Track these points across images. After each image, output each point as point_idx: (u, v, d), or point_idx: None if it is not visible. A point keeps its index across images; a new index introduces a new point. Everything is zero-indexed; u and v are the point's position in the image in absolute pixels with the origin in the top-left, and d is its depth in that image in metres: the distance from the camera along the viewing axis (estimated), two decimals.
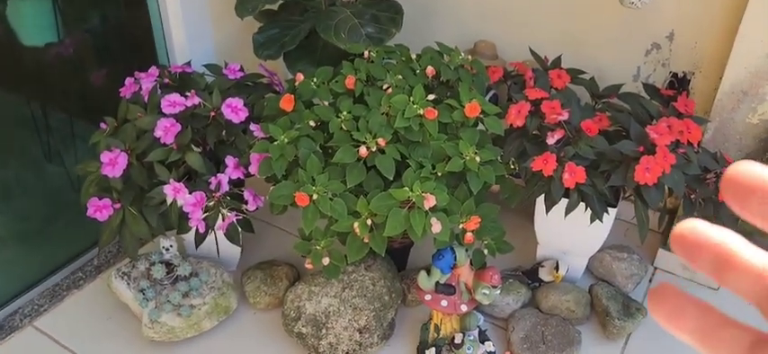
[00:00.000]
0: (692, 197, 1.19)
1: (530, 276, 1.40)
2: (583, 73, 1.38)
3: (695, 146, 1.16)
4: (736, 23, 1.25)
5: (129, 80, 1.36)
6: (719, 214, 1.18)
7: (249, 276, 1.41)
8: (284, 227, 1.60)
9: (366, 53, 1.32)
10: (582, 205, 1.16)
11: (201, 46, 1.55)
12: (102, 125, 1.32)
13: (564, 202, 1.16)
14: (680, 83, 1.40)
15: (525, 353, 1.25)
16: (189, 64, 1.44)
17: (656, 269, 1.50)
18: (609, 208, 1.19)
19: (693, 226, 0.23)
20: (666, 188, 1.13)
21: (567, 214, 1.15)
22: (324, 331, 1.24)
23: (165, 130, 1.22)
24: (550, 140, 1.15)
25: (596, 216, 1.14)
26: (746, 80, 1.26)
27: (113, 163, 1.20)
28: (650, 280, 1.47)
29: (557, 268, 1.35)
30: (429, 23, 1.65)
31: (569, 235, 1.33)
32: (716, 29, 1.31)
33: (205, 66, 1.44)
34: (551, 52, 1.44)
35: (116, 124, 1.31)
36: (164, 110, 1.24)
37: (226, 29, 1.60)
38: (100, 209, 1.23)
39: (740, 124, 1.31)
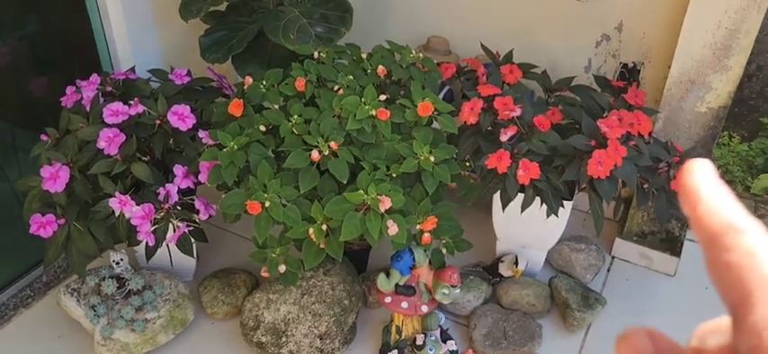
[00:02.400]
0: (645, 187, 1.20)
1: (490, 271, 1.40)
2: (535, 67, 1.38)
3: (646, 136, 1.17)
4: (681, 14, 1.26)
5: (69, 88, 1.31)
6: (672, 203, 1.19)
7: (206, 286, 1.37)
8: (240, 233, 1.57)
9: (316, 54, 1.29)
10: (538, 200, 1.16)
11: (146, 50, 1.50)
12: (44, 136, 1.26)
13: (520, 198, 1.16)
14: (630, 73, 1.42)
15: (487, 350, 1.25)
16: (133, 70, 1.39)
17: (613, 258, 1.52)
18: (564, 202, 1.20)
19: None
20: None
21: (523, 210, 1.15)
22: (284, 339, 1.22)
23: (109, 141, 1.17)
24: (504, 137, 1.14)
25: (552, 210, 1.14)
26: (693, 69, 1.27)
27: (55, 177, 1.15)
28: (608, 270, 1.49)
29: (516, 263, 1.35)
30: (380, 21, 1.62)
31: (527, 230, 1.33)
32: (662, 19, 1.33)
33: (150, 71, 1.39)
34: (504, 46, 1.44)
35: (58, 135, 1.25)
36: (106, 120, 1.19)
37: (171, 32, 1.55)
38: (43, 226, 1.17)
39: (689, 113, 1.33)
